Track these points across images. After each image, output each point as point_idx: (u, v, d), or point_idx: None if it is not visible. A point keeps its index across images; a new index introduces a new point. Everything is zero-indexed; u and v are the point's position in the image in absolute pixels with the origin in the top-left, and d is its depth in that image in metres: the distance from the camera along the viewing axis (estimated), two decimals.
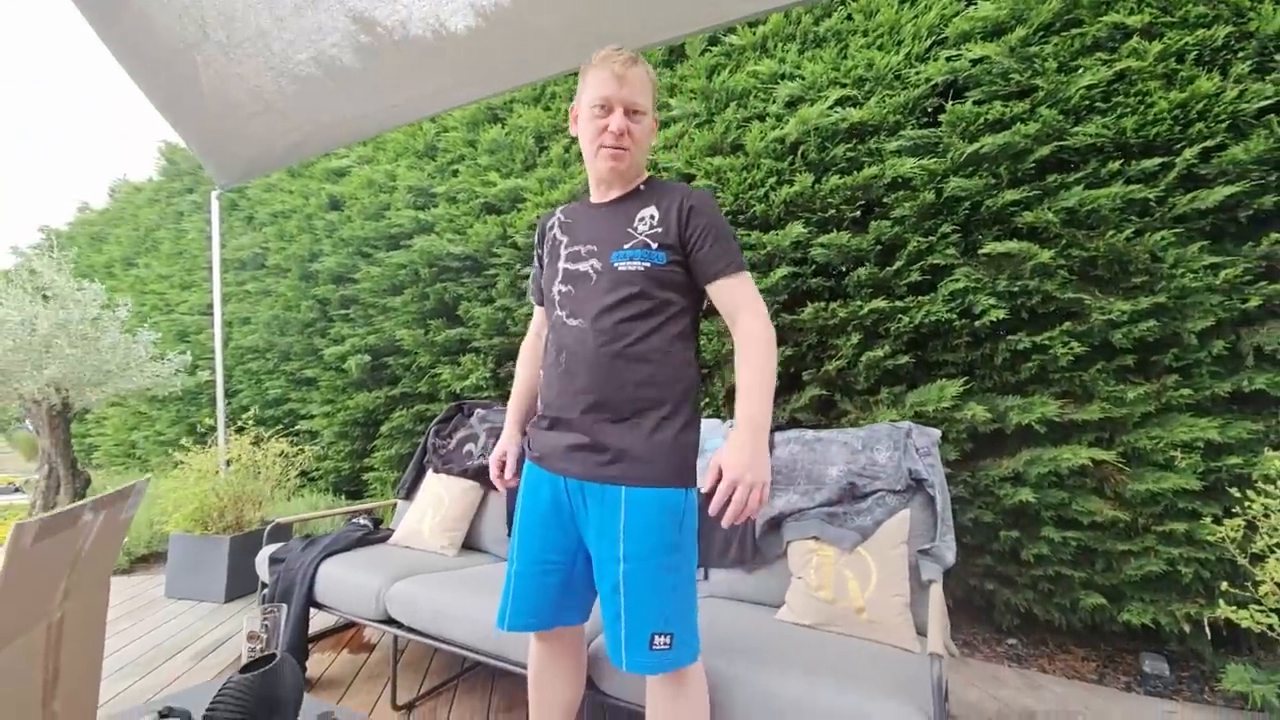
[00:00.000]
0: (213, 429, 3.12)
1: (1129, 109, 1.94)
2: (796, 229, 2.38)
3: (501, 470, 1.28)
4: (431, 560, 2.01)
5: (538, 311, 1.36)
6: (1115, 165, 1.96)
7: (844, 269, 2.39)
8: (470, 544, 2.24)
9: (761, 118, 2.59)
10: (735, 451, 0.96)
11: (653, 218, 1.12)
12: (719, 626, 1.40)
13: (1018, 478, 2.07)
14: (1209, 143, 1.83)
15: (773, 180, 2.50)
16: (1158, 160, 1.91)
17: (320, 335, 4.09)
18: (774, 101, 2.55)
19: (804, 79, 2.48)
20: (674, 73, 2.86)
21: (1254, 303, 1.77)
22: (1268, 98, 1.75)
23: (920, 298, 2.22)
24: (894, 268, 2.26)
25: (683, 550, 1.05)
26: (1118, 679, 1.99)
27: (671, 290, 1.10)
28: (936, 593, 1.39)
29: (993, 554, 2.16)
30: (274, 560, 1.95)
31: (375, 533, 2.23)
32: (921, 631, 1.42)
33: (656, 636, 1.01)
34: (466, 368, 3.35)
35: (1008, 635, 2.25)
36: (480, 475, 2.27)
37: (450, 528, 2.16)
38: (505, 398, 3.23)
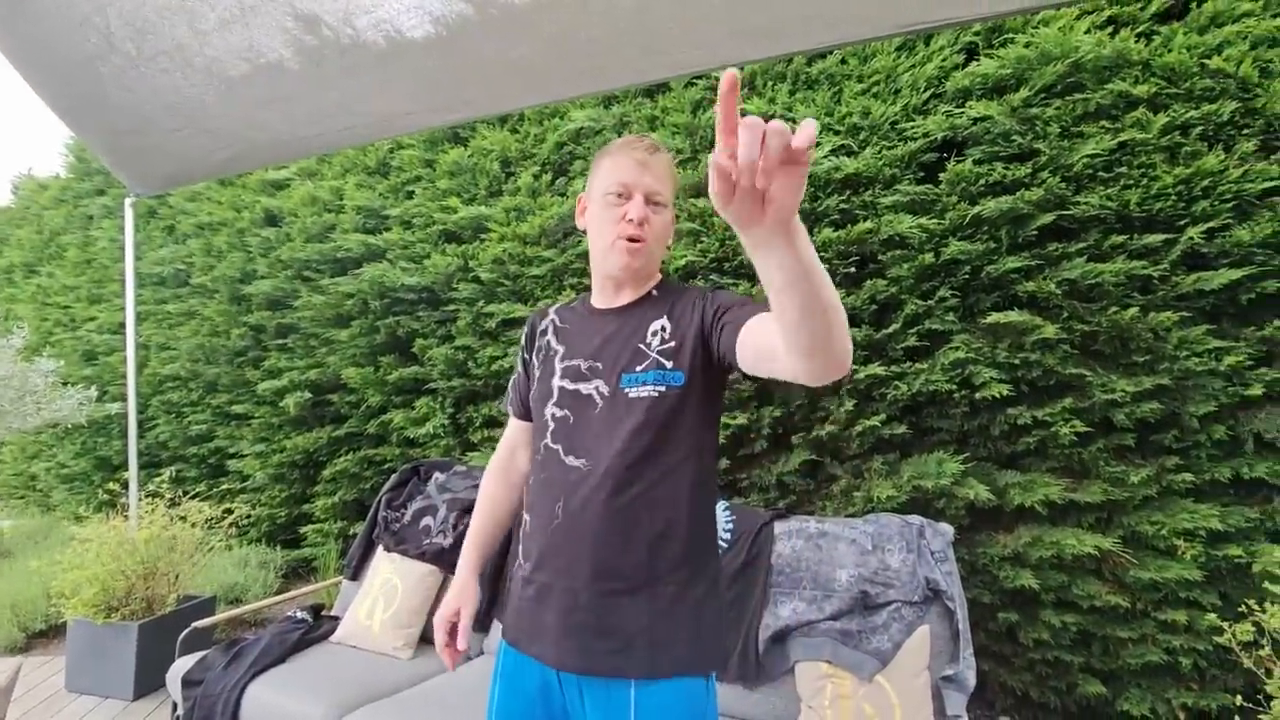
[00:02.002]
0: (114, 494, 2.72)
1: (1132, 182, 1.89)
2: None
3: (452, 635, 1.01)
4: (384, 668, 1.75)
5: (513, 425, 1.12)
6: (1118, 239, 1.90)
7: None
8: (428, 636, 1.98)
9: None
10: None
11: (665, 330, 0.93)
12: None
13: (1018, 558, 1.98)
14: (1213, 223, 1.79)
15: None
16: (1161, 237, 1.85)
17: (253, 366, 3.69)
18: None
19: (795, 122, 2.33)
20: (655, 104, 2.67)
21: (1255, 390, 1.74)
22: (1272, 179, 1.72)
23: (917, 365, 2.12)
24: (889, 331, 2.15)
25: None
26: None
27: (691, 418, 0.91)
28: None
29: (988, 633, 2.08)
30: (189, 683, 1.64)
31: (315, 628, 1.95)
32: None
33: None
34: (421, 412, 3.06)
35: (1000, 714, 2.18)
36: (440, 558, 2.02)
37: (406, 623, 1.90)
38: (466, 448, 2.97)
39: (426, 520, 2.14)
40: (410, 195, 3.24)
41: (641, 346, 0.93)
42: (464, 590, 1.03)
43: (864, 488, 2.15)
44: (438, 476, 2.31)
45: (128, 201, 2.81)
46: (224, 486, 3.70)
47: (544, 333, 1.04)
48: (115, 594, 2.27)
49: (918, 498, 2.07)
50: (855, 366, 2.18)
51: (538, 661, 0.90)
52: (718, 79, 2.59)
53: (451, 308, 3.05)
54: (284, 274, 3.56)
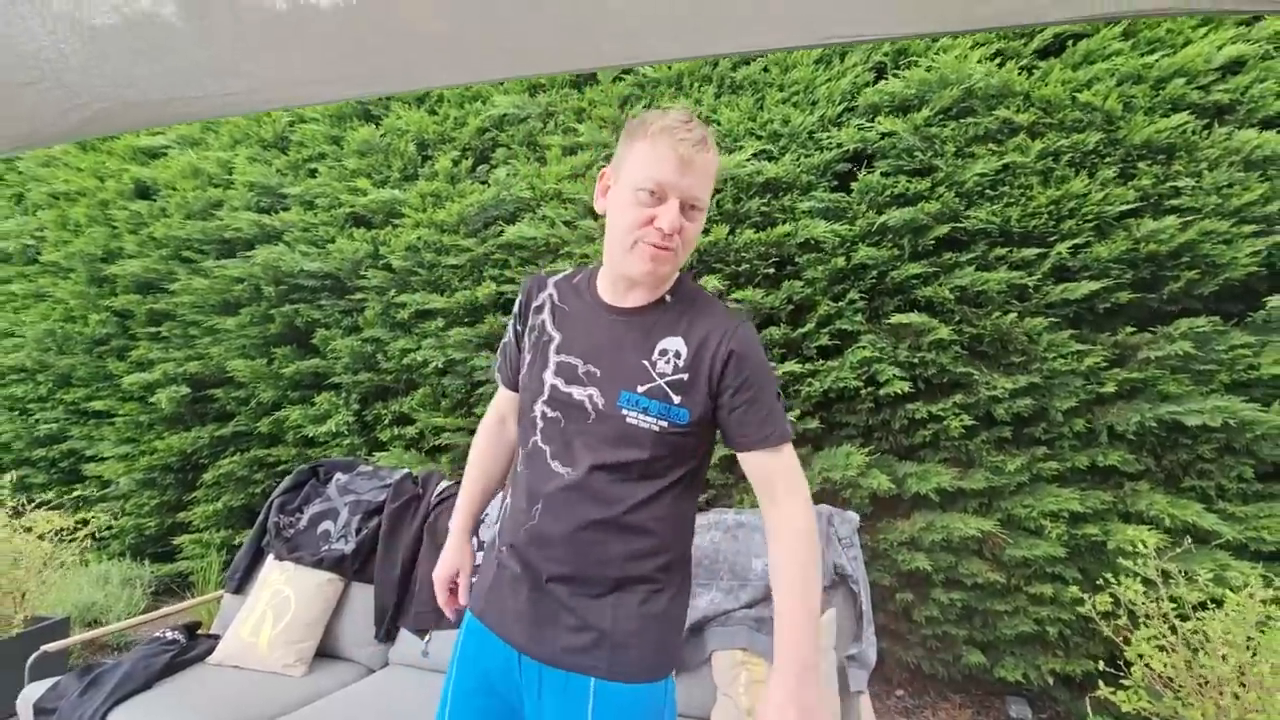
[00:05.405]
0: None
1: (1013, 200, 2.09)
2: (713, 282, 2.27)
3: (454, 593, 1.04)
4: (272, 689, 1.59)
5: (503, 394, 1.08)
6: (1001, 251, 2.09)
7: (757, 325, 2.33)
8: (326, 650, 1.83)
9: None
10: (778, 706, 0.77)
11: (678, 356, 0.86)
12: None
13: (913, 542, 2.14)
14: (1077, 240, 2.02)
15: None
16: (1035, 250, 2.06)
17: (118, 358, 3.26)
18: None
19: (720, 124, 2.38)
20: (583, 96, 2.63)
21: (1109, 388, 1.98)
22: (1128, 202, 1.96)
23: (829, 362, 2.23)
24: (804, 330, 2.24)
25: None
26: None
27: (685, 453, 0.88)
28: (867, 706, 1.33)
29: (886, 613, 2.22)
30: (42, 711, 1.41)
31: (190, 648, 1.74)
32: None
33: None
34: (322, 408, 2.83)
35: (896, 687, 2.34)
36: (341, 565, 1.87)
37: (299, 638, 1.74)
38: (374, 448, 2.78)
39: (326, 525, 1.97)
40: (313, 174, 2.99)
41: (646, 364, 0.86)
42: (459, 551, 1.06)
43: None
44: (339, 478, 2.14)
45: None
46: (78, 493, 3.24)
47: (540, 309, 0.96)
48: None
49: (827, 488, 2.18)
50: (773, 364, 2.26)
51: (504, 640, 0.89)
52: (645, 75, 2.58)
53: (359, 296, 2.85)
54: (158, 253, 3.17)
